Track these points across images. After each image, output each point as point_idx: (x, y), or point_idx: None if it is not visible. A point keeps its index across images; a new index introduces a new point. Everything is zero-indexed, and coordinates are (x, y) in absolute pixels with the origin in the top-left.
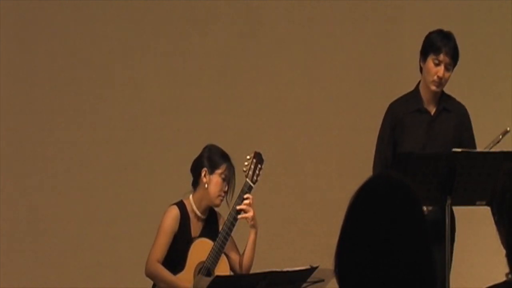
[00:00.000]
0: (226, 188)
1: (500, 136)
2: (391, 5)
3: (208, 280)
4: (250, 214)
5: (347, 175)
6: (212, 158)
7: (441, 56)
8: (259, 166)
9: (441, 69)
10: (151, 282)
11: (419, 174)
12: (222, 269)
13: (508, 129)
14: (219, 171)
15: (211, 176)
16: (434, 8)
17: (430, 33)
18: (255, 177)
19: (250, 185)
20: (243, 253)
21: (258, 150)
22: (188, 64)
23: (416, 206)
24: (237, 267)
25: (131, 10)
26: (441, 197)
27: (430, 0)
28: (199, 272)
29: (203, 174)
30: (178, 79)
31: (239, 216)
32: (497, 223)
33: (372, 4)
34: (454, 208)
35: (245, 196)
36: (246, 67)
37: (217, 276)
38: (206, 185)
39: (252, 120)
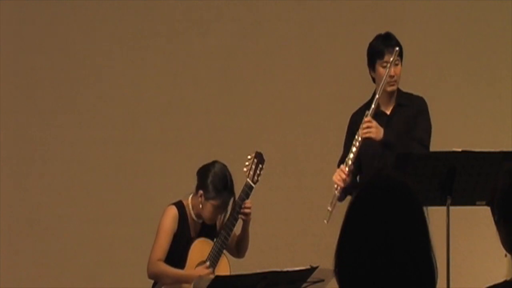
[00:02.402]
0: (218, 216)
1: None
2: (391, 6)
3: (208, 280)
4: (249, 218)
5: None
6: (212, 186)
7: (386, 57)
8: (260, 166)
9: (391, 69)
10: (151, 282)
11: (419, 174)
12: (222, 269)
13: (397, 48)
14: (213, 202)
15: (205, 201)
16: (434, 8)
17: (370, 43)
18: (255, 177)
19: (250, 185)
20: (239, 236)
21: (259, 150)
22: (188, 64)
23: (416, 206)
24: (233, 247)
25: (131, 10)
26: (441, 197)
27: (430, 0)
28: None
29: (199, 194)
30: (178, 79)
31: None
32: (497, 223)
33: (372, 4)
34: (454, 208)
35: (246, 202)
36: (246, 67)
37: (217, 276)
38: (200, 206)
39: (252, 120)
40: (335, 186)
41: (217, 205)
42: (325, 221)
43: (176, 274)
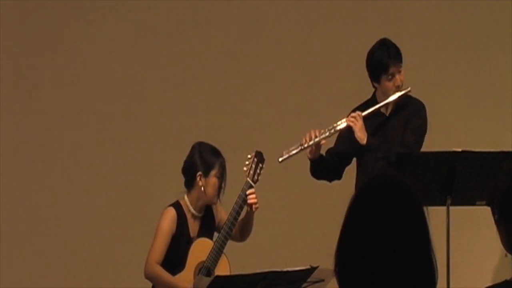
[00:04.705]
0: (222, 185)
1: (400, 93)
2: (391, 6)
3: (208, 280)
4: (257, 205)
5: (347, 175)
6: (204, 159)
7: (391, 70)
8: (260, 165)
9: (396, 79)
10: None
11: (419, 174)
12: (222, 269)
13: (409, 88)
14: (213, 172)
15: (206, 179)
16: (434, 8)
17: (370, 54)
18: (255, 177)
19: (250, 185)
20: (242, 220)
21: (259, 150)
22: (188, 64)
23: (416, 206)
24: (236, 231)
25: (131, 10)
26: (441, 197)
27: (430, 0)
28: (199, 272)
29: (198, 178)
30: (178, 79)
31: (248, 196)
32: (497, 223)
33: (372, 4)
34: (454, 208)
35: (248, 192)
36: (246, 67)
37: (217, 276)
38: (202, 188)
39: (252, 120)
40: (303, 140)
41: (219, 173)
42: (279, 159)
43: (170, 283)
